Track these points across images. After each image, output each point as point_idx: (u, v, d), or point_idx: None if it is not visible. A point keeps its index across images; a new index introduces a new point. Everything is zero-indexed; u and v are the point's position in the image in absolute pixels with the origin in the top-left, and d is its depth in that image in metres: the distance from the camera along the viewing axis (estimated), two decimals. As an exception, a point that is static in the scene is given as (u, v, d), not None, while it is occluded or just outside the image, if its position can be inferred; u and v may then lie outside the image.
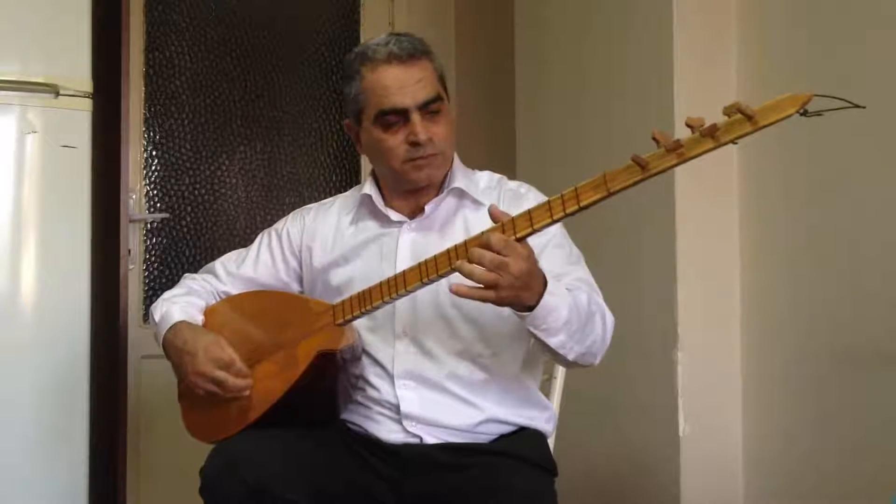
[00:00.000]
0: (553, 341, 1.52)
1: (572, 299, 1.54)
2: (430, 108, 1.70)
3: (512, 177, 1.86)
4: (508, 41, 3.05)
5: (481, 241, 1.43)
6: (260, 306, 1.80)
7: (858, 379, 2.03)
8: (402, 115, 1.69)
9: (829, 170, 2.11)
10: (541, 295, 1.47)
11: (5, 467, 2.23)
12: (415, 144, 1.69)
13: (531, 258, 1.45)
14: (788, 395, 2.21)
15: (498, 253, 1.41)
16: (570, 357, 1.57)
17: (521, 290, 1.44)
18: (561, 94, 2.79)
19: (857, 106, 1.25)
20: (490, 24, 3.37)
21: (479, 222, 1.73)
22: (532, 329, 1.51)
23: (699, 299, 2.31)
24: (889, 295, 1.95)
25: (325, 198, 1.96)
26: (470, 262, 1.42)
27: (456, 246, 1.52)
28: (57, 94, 2.29)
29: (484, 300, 1.44)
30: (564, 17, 2.79)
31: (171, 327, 1.76)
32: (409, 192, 1.78)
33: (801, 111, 1.25)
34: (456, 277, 1.65)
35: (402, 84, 1.69)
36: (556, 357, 1.60)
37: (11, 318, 2.26)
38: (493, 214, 1.48)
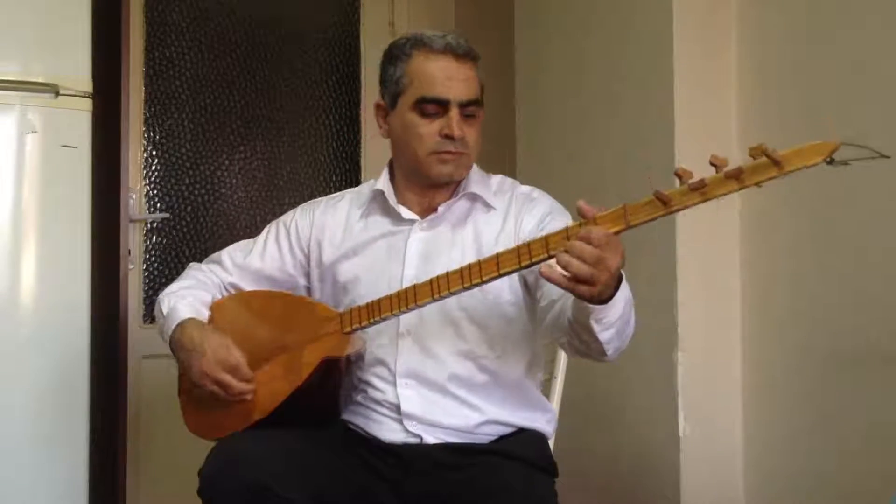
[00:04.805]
0: (604, 335, 1.44)
1: (625, 293, 1.44)
2: (468, 110, 1.72)
3: (511, 177, 1.86)
4: (508, 41, 3.05)
5: (582, 234, 1.33)
6: (267, 306, 1.80)
7: (858, 379, 2.03)
8: (443, 106, 1.70)
9: (829, 170, 2.10)
10: (616, 289, 1.39)
11: (5, 467, 2.22)
12: (448, 137, 1.70)
13: (624, 253, 1.36)
14: (789, 396, 2.21)
15: (597, 247, 1.32)
16: (609, 352, 1.48)
17: (608, 286, 1.36)
18: (561, 93, 2.79)
19: (882, 156, 1.23)
20: (490, 24, 3.36)
21: (490, 225, 1.74)
22: (593, 321, 1.41)
23: (699, 300, 2.31)
24: (889, 296, 1.95)
25: (326, 197, 1.96)
26: (568, 252, 1.33)
27: (470, 265, 1.51)
28: (57, 94, 2.29)
29: (574, 292, 1.35)
30: (564, 17, 2.79)
31: (178, 325, 1.76)
32: (424, 189, 1.78)
33: (828, 160, 1.24)
34: (467, 296, 1.64)
35: (449, 76, 1.70)
36: (588, 350, 1.51)
37: (11, 318, 2.26)
38: (584, 211, 1.38)
